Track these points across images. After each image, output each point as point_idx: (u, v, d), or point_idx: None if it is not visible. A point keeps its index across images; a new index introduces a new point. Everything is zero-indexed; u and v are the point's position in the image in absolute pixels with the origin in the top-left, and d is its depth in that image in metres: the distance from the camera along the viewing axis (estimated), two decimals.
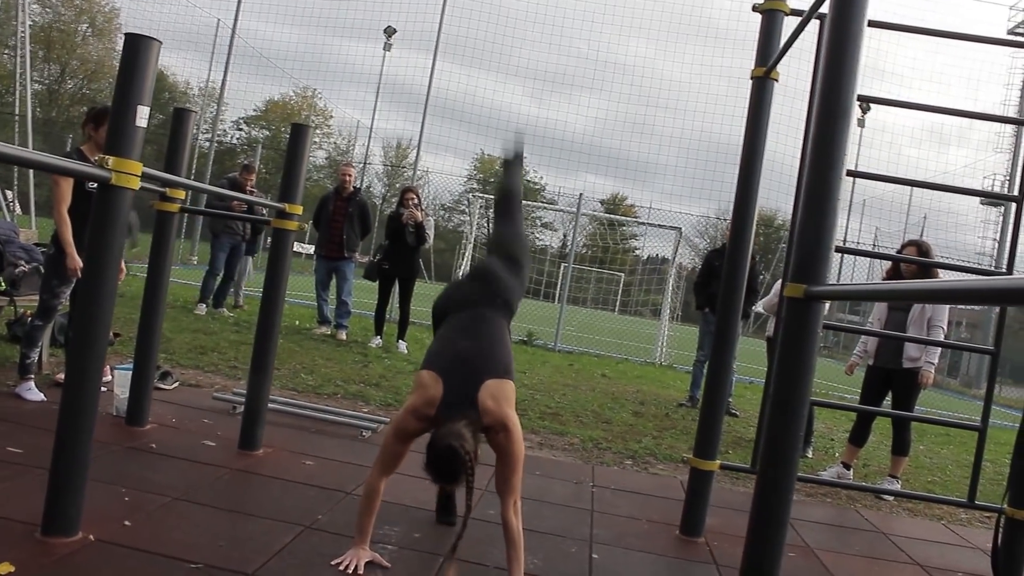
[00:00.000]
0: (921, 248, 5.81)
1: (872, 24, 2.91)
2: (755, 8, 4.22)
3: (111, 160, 2.80)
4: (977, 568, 4.37)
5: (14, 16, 15.73)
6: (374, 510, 3.06)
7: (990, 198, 22.48)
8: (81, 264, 4.69)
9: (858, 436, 6.06)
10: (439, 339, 3.15)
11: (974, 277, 1.48)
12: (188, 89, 42.76)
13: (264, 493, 3.83)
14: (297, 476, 4.14)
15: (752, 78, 4.19)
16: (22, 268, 5.55)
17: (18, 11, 15.23)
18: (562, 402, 7.64)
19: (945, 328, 5.84)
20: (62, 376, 5.20)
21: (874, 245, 22.55)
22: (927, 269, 5.67)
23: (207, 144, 27.32)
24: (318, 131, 51.88)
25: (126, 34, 2.90)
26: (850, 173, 2.83)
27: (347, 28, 24.95)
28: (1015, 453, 3.66)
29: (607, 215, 23.60)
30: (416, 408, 2.91)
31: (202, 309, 10.00)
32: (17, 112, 14.57)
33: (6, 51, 23.31)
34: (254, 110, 46.84)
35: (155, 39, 2.88)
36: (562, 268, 15.60)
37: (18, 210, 15.37)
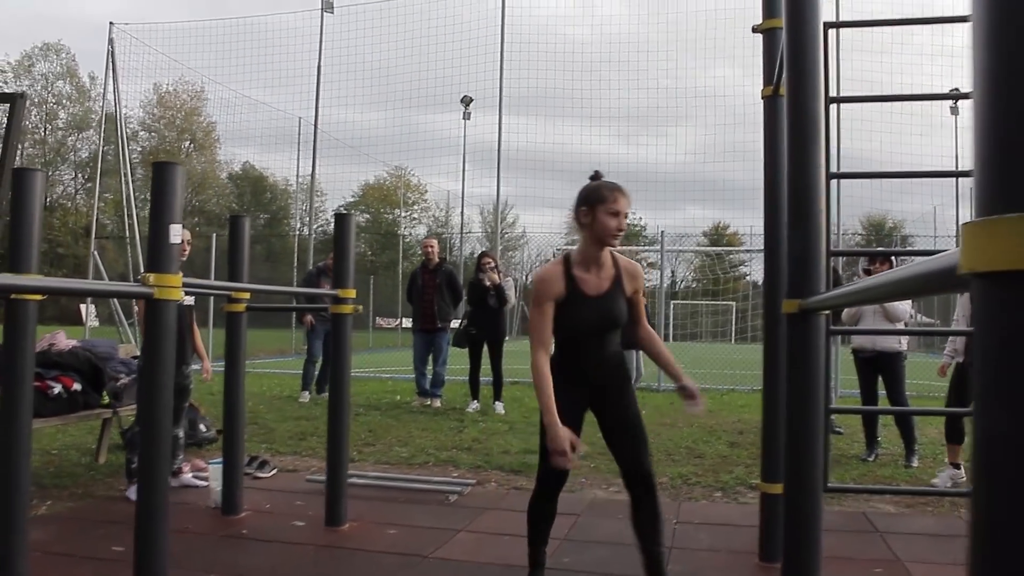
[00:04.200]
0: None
1: (828, 25, 2.98)
2: (755, 29, 4.28)
3: (152, 277, 3.10)
4: None
5: (118, 149, 17.05)
6: (551, 382, 3.19)
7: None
8: None
9: (954, 434, 5.88)
10: None
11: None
12: (288, 186, 44.94)
13: (346, 565, 4.02)
14: (379, 546, 4.33)
15: (763, 98, 4.23)
16: (123, 381, 6.02)
17: (119, 145, 16.52)
18: (656, 442, 7.61)
19: None
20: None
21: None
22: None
23: (307, 234, 28.59)
24: (415, 206, 53.26)
25: (153, 163, 3.22)
26: (833, 175, 2.88)
27: (426, 99, 25.82)
28: None
29: (702, 248, 23.30)
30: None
31: (305, 397, 10.47)
32: (127, 235, 15.68)
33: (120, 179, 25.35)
34: (352, 196, 48.62)
35: (176, 163, 3.19)
36: (672, 305, 15.52)
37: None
